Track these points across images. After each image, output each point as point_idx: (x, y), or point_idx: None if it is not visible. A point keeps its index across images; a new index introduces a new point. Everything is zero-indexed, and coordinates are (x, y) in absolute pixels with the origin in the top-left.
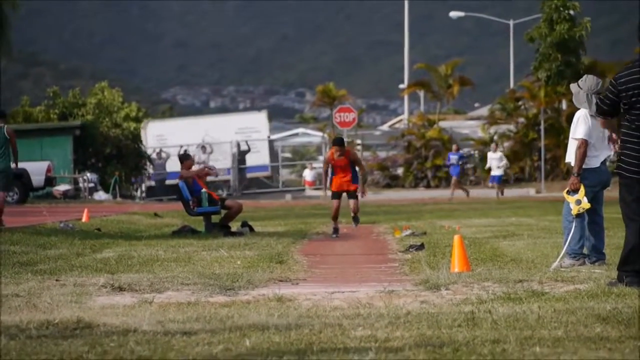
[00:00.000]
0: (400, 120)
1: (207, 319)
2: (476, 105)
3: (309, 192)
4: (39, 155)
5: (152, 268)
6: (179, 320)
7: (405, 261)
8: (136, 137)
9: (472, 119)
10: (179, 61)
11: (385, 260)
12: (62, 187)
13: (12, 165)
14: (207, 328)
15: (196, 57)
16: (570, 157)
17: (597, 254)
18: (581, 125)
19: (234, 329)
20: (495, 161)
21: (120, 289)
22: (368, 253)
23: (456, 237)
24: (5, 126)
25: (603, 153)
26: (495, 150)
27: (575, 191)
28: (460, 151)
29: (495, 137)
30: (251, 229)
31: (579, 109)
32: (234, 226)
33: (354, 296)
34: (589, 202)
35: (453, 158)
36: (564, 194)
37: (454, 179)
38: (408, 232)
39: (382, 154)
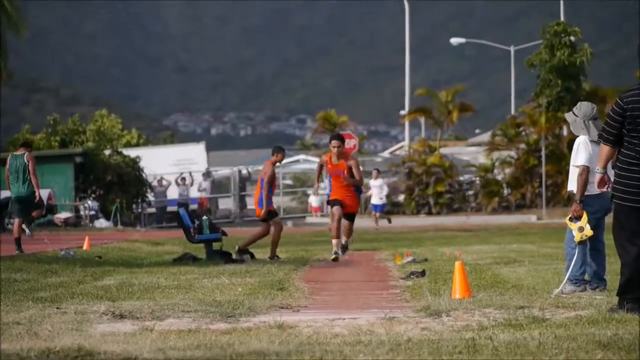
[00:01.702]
0: (401, 147)
1: (208, 347)
2: (477, 131)
3: (310, 219)
4: (39, 182)
5: (153, 295)
6: (179, 348)
7: (407, 288)
8: (137, 165)
9: (473, 145)
10: (181, 86)
11: (387, 287)
12: (63, 215)
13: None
14: (208, 355)
15: (198, 81)
16: (572, 185)
17: (598, 280)
18: (582, 152)
19: (235, 356)
20: (377, 189)
21: (121, 316)
22: (369, 280)
23: (457, 264)
24: (26, 153)
25: None
26: (376, 178)
27: (577, 218)
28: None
29: (377, 168)
30: (252, 256)
31: (578, 135)
32: (235, 253)
33: (355, 323)
34: (591, 228)
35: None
36: (567, 221)
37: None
38: (409, 258)
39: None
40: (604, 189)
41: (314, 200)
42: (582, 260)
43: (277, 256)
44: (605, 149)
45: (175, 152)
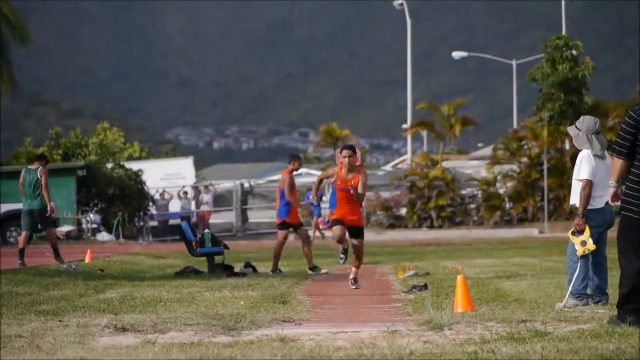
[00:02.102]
0: (404, 161)
1: None
2: (479, 145)
3: (311, 232)
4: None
5: (155, 308)
6: None
7: (409, 301)
8: (139, 178)
9: (475, 159)
10: (183, 99)
11: (389, 300)
12: (65, 228)
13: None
14: None
15: (200, 95)
16: (575, 199)
17: (601, 294)
18: (585, 165)
19: None
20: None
21: (124, 329)
22: (371, 293)
23: (459, 278)
24: (40, 167)
25: (607, 193)
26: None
27: (580, 232)
28: (321, 191)
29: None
30: (254, 269)
31: (580, 149)
32: (237, 266)
33: (357, 336)
34: (593, 243)
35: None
36: (569, 235)
37: (315, 219)
38: (411, 272)
39: (386, 194)
40: (617, 203)
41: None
42: (584, 274)
43: (316, 266)
44: (618, 162)
45: (163, 167)
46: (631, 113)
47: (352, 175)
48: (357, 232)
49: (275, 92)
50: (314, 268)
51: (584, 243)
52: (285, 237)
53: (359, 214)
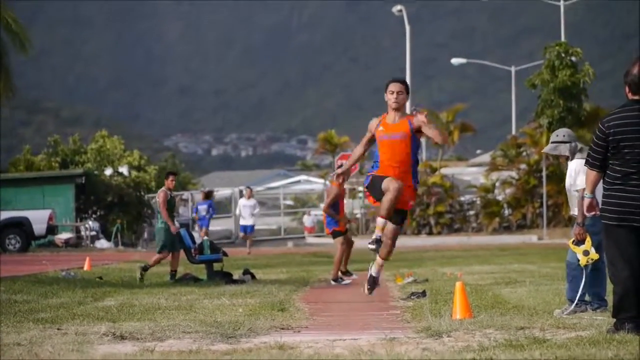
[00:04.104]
0: None
1: None
2: (478, 152)
3: (310, 239)
4: (41, 203)
5: (153, 316)
6: None
7: (407, 308)
8: (138, 185)
9: (474, 165)
10: (182, 107)
11: (387, 307)
12: (64, 236)
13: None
14: None
15: (199, 102)
16: (572, 209)
17: (599, 301)
18: (582, 175)
19: None
20: (248, 209)
21: (122, 337)
22: (370, 300)
23: (458, 284)
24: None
25: None
26: (249, 197)
27: (581, 241)
28: (210, 199)
29: (247, 187)
30: (253, 276)
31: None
32: (236, 274)
33: (355, 344)
34: (595, 250)
35: (202, 208)
36: (570, 244)
37: (204, 230)
38: (410, 279)
39: None
40: (593, 213)
41: (307, 221)
42: (584, 281)
43: (341, 278)
44: (592, 174)
45: None
46: (600, 126)
47: (403, 118)
48: (401, 215)
49: (275, 99)
50: (336, 279)
51: (586, 252)
52: (343, 244)
53: (412, 192)
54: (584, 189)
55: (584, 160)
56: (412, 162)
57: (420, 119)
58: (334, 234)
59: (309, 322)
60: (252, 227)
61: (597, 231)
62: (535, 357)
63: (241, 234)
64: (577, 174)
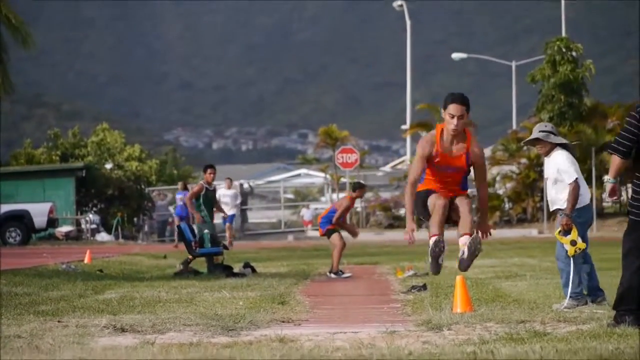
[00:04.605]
0: (403, 161)
1: None
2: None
3: (311, 232)
4: (41, 196)
5: (154, 309)
6: None
7: (408, 302)
8: (138, 178)
9: None
10: (183, 103)
11: (388, 300)
12: (64, 229)
13: None
14: None
15: (199, 99)
16: (558, 203)
17: (596, 291)
18: (570, 167)
19: None
20: (229, 199)
21: (123, 330)
22: (370, 294)
23: (458, 278)
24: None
25: (587, 189)
26: (228, 188)
27: (567, 232)
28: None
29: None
30: (253, 269)
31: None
32: (236, 267)
33: (356, 337)
34: (584, 238)
35: (179, 198)
36: (556, 235)
37: (177, 218)
38: (410, 272)
39: (385, 195)
40: (615, 198)
41: (306, 214)
42: (578, 275)
43: (341, 271)
44: (617, 160)
45: None
46: (634, 113)
47: (460, 147)
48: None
49: (275, 96)
50: (336, 272)
51: (573, 242)
52: (341, 239)
53: (462, 192)
54: (576, 179)
55: (566, 152)
56: (463, 179)
57: None
58: (328, 233)
59: (310, 315)
60: (232, 216)
61: (583, 222)
62: (536, 350)
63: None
64: (567, 166)
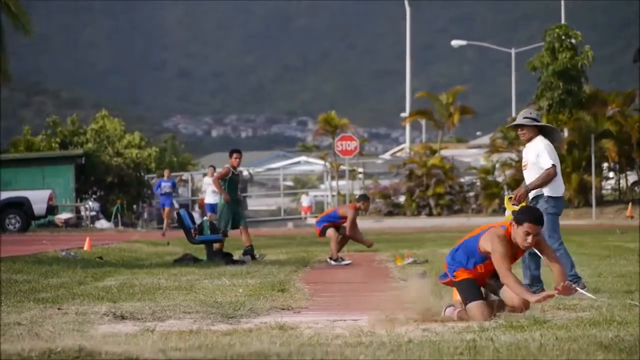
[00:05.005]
0: (402, 149)
1: (209, 347)
2: (478, 133)
3: (310, 220)
4: (40, 183)
5: (153, 296)
6: (180, 349)
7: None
8: (138, 166)
9: (474, 147)
10: (182, 90)
11: (387, 288)
12: (64, 216)
13: None
14: (209, 356)
15: (198, 86)
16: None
17: (538, 283)
18: (550, 153)
19: (236, 357)
20: (211, 187)
21: (122, 317)
22: (370, 281)
23: None
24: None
25: (562, 181)
26: (211, 175)
27: (517, 203)
28: (173, 178)
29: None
30: (253, 257)
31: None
32: (236, 254)
33: (355, 324)
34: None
35: (165, 186)
36: (506, 199)
37: (167, 209)
38: (410, 260)
39: (384, 183)
40: None
41: (304, 200)
42: (569, 259)
43: (341, 258)
44: None
45: None
46: None
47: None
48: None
49: (274, 84)
50: (336, 259)
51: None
52: (336, 232)
53: None
54: (553, 165)
55: (546, 141)
56: None
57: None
58: (323, 231)
59: (309, 303)
60: (214, 205)
61: (557, 212)
62: (536, 338)
63: (208, 214)
64: (543, 153)
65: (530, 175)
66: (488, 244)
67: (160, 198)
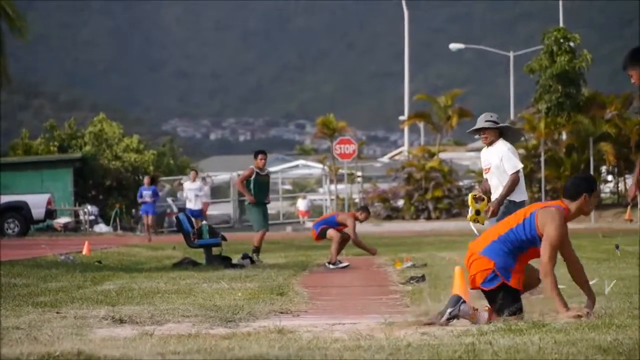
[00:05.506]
0: (401, 152)
1: (207, 351)
2: (476, 137)
3: (309, 224)
4: (39, 187)
5: (152, 300)
6: (179, 352)
7: (406, 293)
8: (136, 169)
9: (472, 150)
10: (180, 91)
11: (386, 292)
12: (62, 220)
13: None
14: None
15: (197, 86)
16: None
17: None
18: (514, 157)
19: None
20: (193, 192)
21: (121, 321)
22: (369, 285)
23: (457, 269)
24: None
25: (524, 185)
26: (193, 180)
27: (480, 199)
28: (154, 185)
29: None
30: (252, 261)
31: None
32: (235, 258)
33: (354, 328)
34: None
35: (146, 194)
36: (470, 195)
37: (150, 217)
38: (409, 263)
39: (383, 186)
40: None
41: (301, 204)
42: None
43: (339, 261)
44: None
45: None
46: None
47: None
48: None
49: (273, 84)
50: (334, 263)
51: (478, 212)
52: (337, 234)
53: None
54: (519, 169)
55: (508, 144)
56: None
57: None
58: (321, 233)
59: (308, 307)
60: (200, 211)
61: (508, 211)
62: (534, 341)
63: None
64: (508, 157)
65: (495, 179)
66: (551, 224)
67: (142, 206)
